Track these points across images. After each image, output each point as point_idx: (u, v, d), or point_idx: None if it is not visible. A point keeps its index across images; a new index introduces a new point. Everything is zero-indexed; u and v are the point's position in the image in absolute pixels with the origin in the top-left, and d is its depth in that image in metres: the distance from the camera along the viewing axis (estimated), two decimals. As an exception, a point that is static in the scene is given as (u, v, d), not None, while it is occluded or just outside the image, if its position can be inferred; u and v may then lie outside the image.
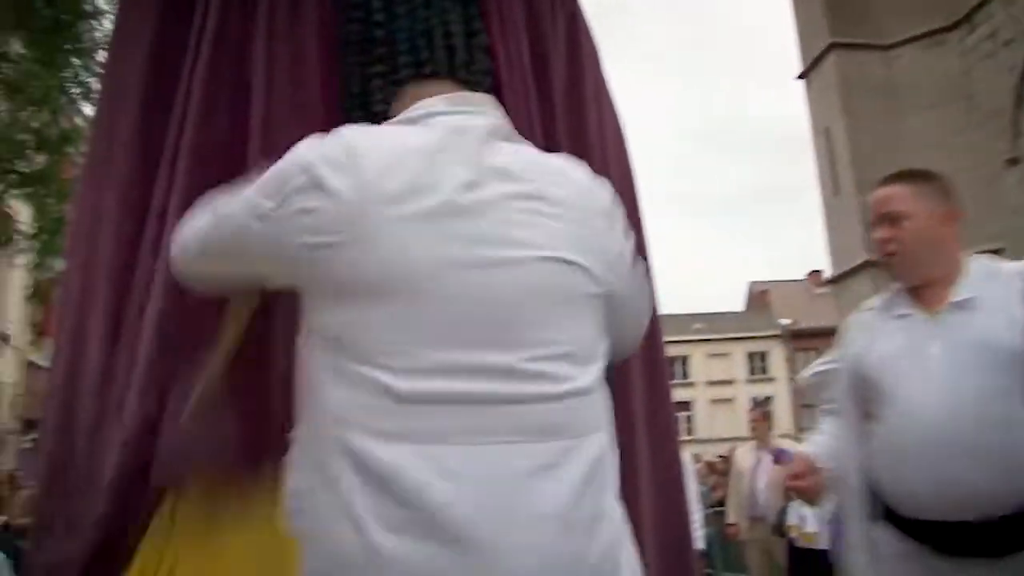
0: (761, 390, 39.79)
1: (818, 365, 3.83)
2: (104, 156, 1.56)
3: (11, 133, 10.98)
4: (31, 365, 16.17)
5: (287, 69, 1.48)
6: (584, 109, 1.74)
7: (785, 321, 42.13)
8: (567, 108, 1.71)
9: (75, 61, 11.31)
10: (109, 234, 1.49)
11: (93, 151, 1.61)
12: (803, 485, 2.26)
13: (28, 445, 15.49)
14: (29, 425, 15.59)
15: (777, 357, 42.46)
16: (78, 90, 11.39)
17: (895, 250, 2.21)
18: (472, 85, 1.28)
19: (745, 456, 6.86)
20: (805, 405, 38.73)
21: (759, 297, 45.51)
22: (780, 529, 5.97)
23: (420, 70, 1.29)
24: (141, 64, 1.55)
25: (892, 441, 2.11)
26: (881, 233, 2.23)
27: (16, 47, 10.90)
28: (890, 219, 2.21)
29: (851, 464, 2.23)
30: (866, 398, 2.21)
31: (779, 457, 6.35)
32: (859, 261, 18.01)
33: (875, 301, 2.33)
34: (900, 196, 2.23)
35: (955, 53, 17.90)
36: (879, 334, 2.23)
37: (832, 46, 19.30)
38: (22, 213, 12.24)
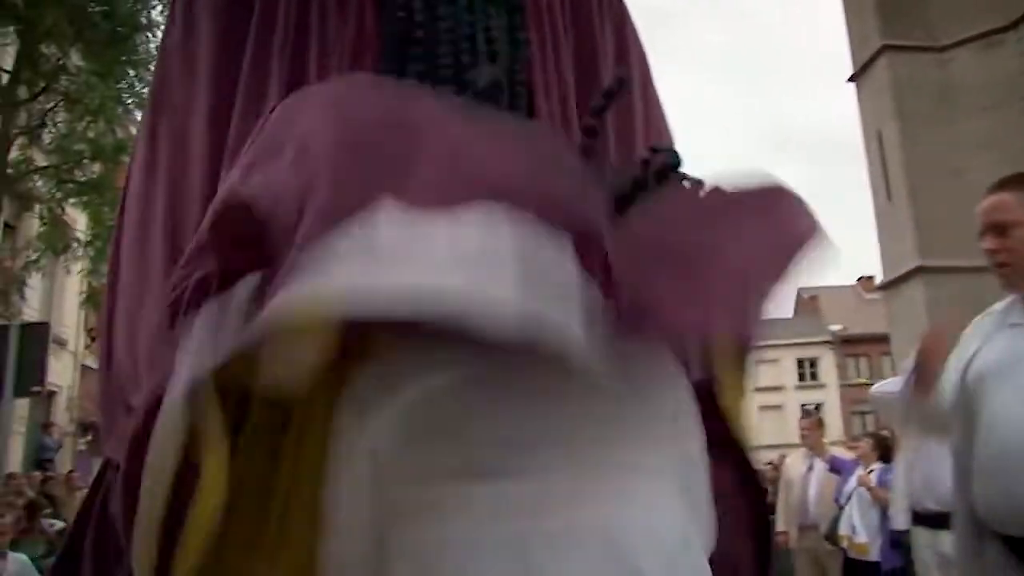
0: (810, 396, 39.24)
1: (889, 385, 3.80)
2: (168, 152, 1.54)
3: (68, 143, 11.29)
4: (86, 369, 16.55)
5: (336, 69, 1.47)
6: (631, 113, 1.72)
7: (835, 327, 41.48)
8: (614, 112, 1.69)
9: (130, 72, 11.60)
10: (165, 231, 1.48)
11: (152, 149, 1.59)
12: (937, 350, 2.22)
13: (84, 447, 15.86)
14: (85, 428, 15.96)
15: (827, 363, 41.82)
16: (133, 100, 11.67)
17: (1005, 261, 2.15)
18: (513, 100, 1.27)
19: (796, 464, 6.77)
20: (855, 412, 38.25)
21: (808, 303, 44.84)
22: (832, 538, 5.90)
23: (460, 73, 1.28)
24: (207, 63, 1.55)
25: (979, 452, 2.08)
26: (989, 244, 2.18)
27: (75, 59, 11.20)
28: (997, 229, 2.16)
29: (960, 471, 2.20)
30: (968, 405, 2.18)
31: (834, 465, 6.29)
32: (911, 267, 17.66)
33: (998, 305, 2.28)
34: (1006, 204, 2.17)
35: (1013, 53, 17.46)
36: (989, 341, 2.18)
37: (884, 48, 18.97)
38: (79, 221, 12.56)
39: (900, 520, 4.11)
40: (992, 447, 2.03)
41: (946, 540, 3.50)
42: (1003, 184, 2.23)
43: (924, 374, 2.24)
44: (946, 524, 3.14)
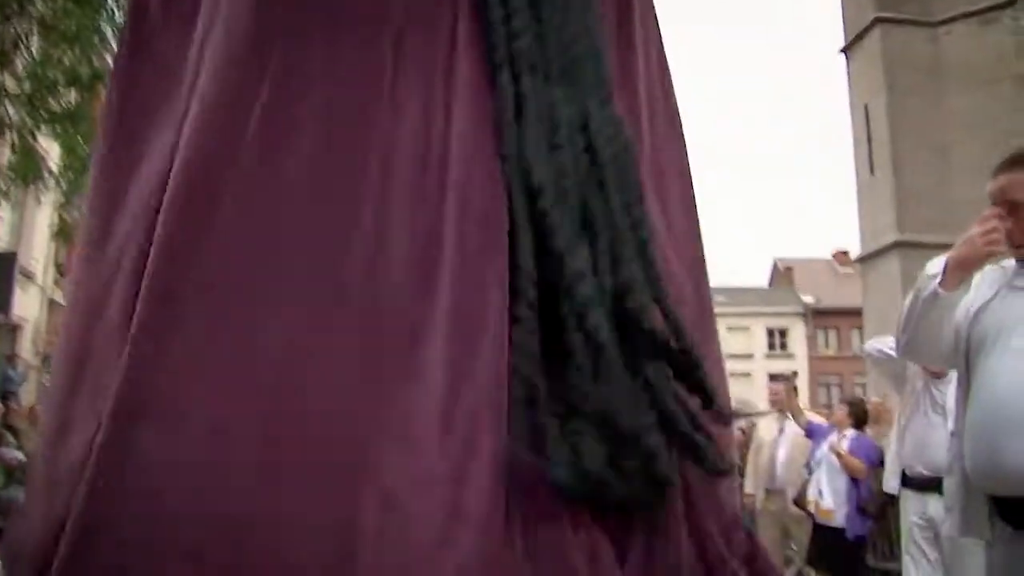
0: (779, 366, 39.64)
1: (881, 342, 3.82)
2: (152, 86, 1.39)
3: (43, 70, 10.93)
4: (53, 303, 16.30)
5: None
6: (632, 56, 1.61)
7: (808, 299, 41.82)
8: (616, 54, 1.59)
9: (109, 0, 11.24)
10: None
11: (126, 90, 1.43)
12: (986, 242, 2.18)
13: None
14: (50, 361, 15.76)
15: (797, 334, 42.21)
16: (111, 29, 11.32)
17: (1020, 242, 2.19)
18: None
19: (768, 428, 6.79)
20: (822, 384, 38.72)
21: (784, 274, 45.16)
22: (801, 502, 5.95)
23: None
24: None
25: (970, 413, 2.14)
26: (1004, 223, 2.18)
27: (51, -18, 10.82)
28: (1010, 207, 2.17)
29: (957, 431, 2.24)
30: (967, 366, 2.22)
31: (809, 430, 6.31)
32: (889, 241, 17.73)
33: (1009, 260, 2.27)
34: (1021, 183, 2.18)
35: (1007, 31, 17.38)
36: (994, 300, 2.21)
37: (877, 20, 18.85)
38: (52, 151, 12.24)
39: (891, 483, 4.15)
40: (980, 409, 2.09)
41: (933, 504, 3.52)
42: (1015, 163, 2.23)
43: (963, 264, 2.19)
44: (934, 488, 3.16)
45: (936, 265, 2.22)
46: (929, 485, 3.53)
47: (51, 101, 11.12)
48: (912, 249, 16.48)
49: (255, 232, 0.95)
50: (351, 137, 1.00)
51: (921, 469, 3.73)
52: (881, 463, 6.16)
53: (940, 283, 2.16)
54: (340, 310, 0.91)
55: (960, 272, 2.17)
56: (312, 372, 0.89)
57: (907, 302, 2.31)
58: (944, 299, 2.17)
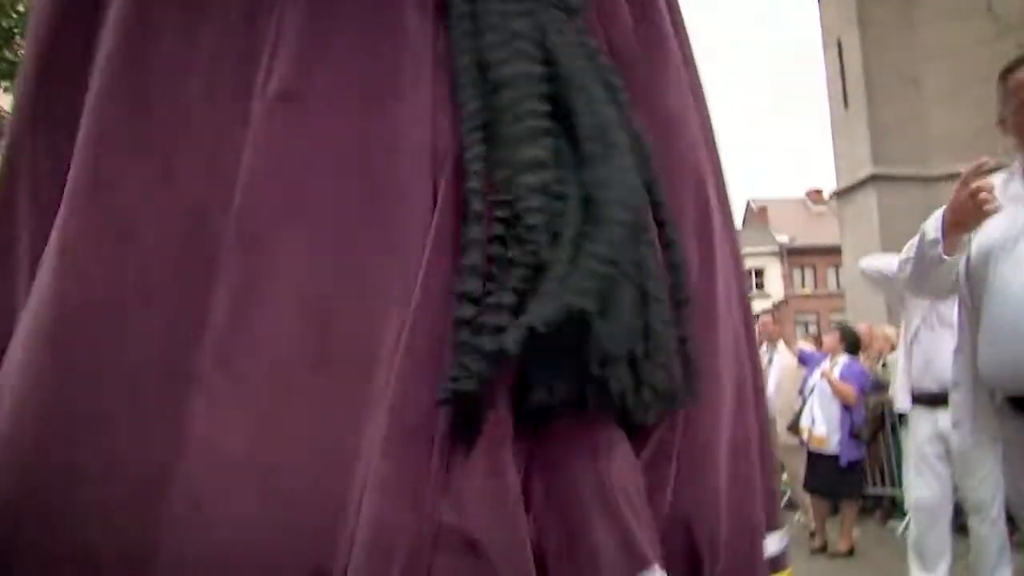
0: (756, 305, 39.82)
1: (879, 261, 3.78)
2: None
3: (-6, 18, 10.57)
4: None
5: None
6: None
7: (783, 238, 42.07)
8: None
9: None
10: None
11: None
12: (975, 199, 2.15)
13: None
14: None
15: (773, 273, 42.55)
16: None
17: None
18: None
19: (757, 360, 6.79)
20: (799, 322, 39.14)
21: (758, 214, 45.36)
22: (795, 428, 5.97)
23: None
24: None
25: (984, 323, 2.17)
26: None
27: (-1, -75, 10.40)
28: None
29: (968, 344, 2.27)
30: (975, 280, 2.25)
31: (802, 358, 6.31)
32: (865, 174, 17.73)
33: (997, 177, 2.25)
34: None
35: (982, -40, 17.26)
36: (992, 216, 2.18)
37: (849, -49, 18.64)
38: (7, 104, 11.89)
39: (901, 400, 4.17)
40: (995, 317, 2.12)
41: (943, 418, 3.53)
42: None
43: (960, 227, 2.20)
44: (943, 403, 3.16)
45: (935, 227, 2.26)
46: (938, 400, 3.55)
47: (7, 52, 10.78)
48: (888, 182, 16.51)
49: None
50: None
51: (930, 384, 3.76)
52: (876, 387, 6.17)
53: (943, 249, 2.22)
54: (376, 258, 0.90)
55: (959, 233, 2.23)
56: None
57: (912, 254, 2.39)
58: (950, 260, 2.25)
